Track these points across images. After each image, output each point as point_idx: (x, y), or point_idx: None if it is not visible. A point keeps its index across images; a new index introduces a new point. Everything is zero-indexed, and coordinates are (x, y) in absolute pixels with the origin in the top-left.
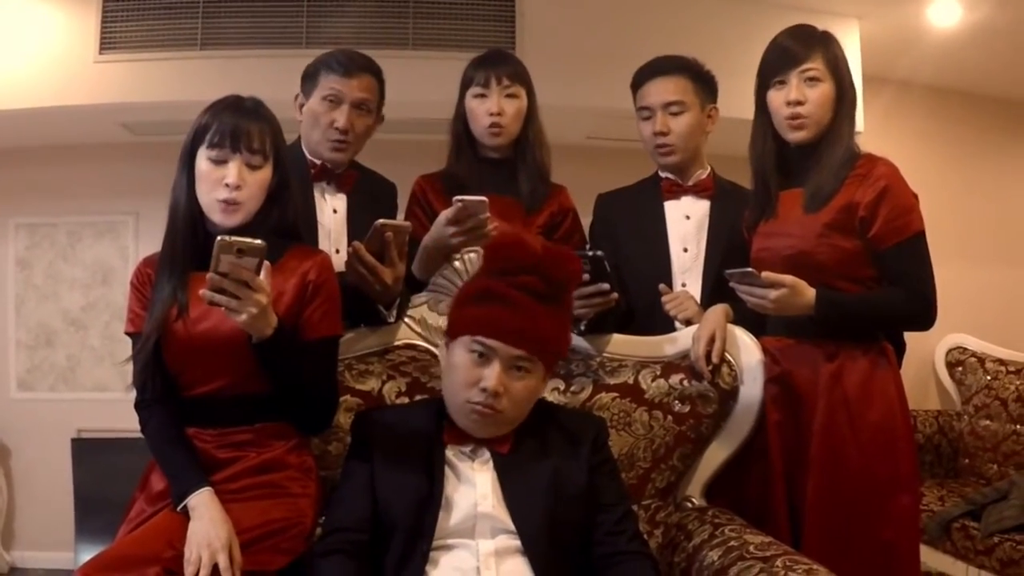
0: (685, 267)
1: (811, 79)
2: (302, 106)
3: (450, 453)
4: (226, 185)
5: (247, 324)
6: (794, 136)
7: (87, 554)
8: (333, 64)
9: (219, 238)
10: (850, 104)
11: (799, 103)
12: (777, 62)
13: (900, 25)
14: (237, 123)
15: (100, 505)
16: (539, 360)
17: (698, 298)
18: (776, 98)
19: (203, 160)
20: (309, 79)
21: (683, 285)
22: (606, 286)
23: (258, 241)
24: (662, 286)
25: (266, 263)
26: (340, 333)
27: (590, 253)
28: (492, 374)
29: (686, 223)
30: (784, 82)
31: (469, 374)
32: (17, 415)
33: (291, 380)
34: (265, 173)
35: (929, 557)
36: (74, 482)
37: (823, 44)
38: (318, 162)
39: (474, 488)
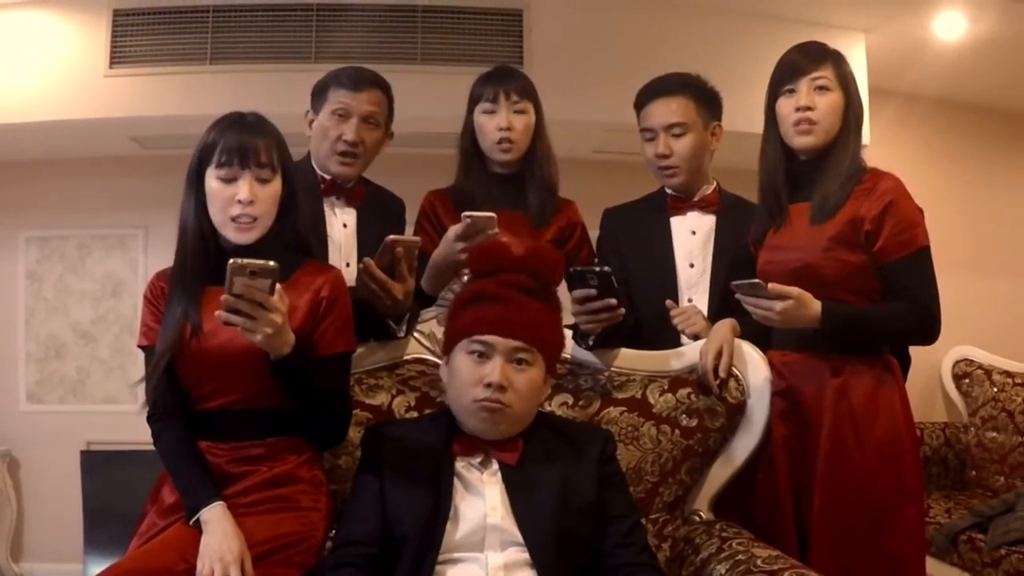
0: (692, 283)
1: (820, 87)
2: (312, 122)
3: (459, 465)
4: (239, 202)
5: (264, 343)
6: (801, 141)
7: (96, 566)
8: (342, 79)
9: (231, 261)
10: (857, 118)
11: (808, 108)
12: (787, 72)
13: (906, 38)
14: (243, 140)
15: (109, 517)
16: (538, 352)
17: (705, 313)
18: (785, 105)
19: (212, 180)
20: (318, 95)
21: (689, 301)
22: (614, 301)
23: (271, 263)
24: (669, 302)
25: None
26: (353, 349)
27: (597, 269)
28: (494, 368)
29: (692, 238)
30: (794, 90)
31: (472, 374)
32: (26, 427)
33: (307, 396)
34: (275, 186)
35: (936, 569)
36: (83, 494)
37: (833, 58)
38: (327, 177)
39: (483, 500)
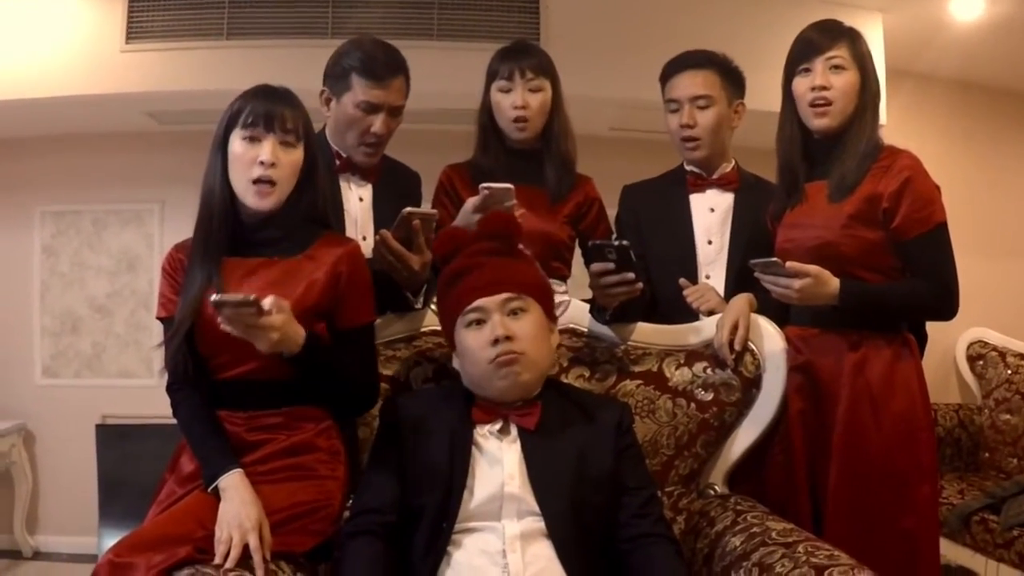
0: (709, 259)
1: (836, 67)
2: (328, 100)
3: (478, 434)
4: (260, 163)
5: (272, 350)
6: (818, 123)
7: (111, 539)
8: (364, 70)
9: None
10: (874, 96)
11: (824, 88)
12: (803, 51)
13: (923, 18)
14: (271, 106)
15: (124, 490)
16: (528, 297)
17: (722, 290)
18: (801, 84)
19: (237, 141)
20: (338, 79)
21: (707, 277)
22: (631, 275)
23: (245, 296)
24: (682, 280)
25: (294, 259)
26: (374, 320)
27: (616, 243)
28: (495, 325)
29: (710, 216)
30: (809, 69)
31: (478, 341)
32: (42, 401)
33: (328, 376)
34: (298, 155)
35: (948, 550)
36: (98, 468)
37: (849, 37)
38: (344, 155)
39: (501, 468)
